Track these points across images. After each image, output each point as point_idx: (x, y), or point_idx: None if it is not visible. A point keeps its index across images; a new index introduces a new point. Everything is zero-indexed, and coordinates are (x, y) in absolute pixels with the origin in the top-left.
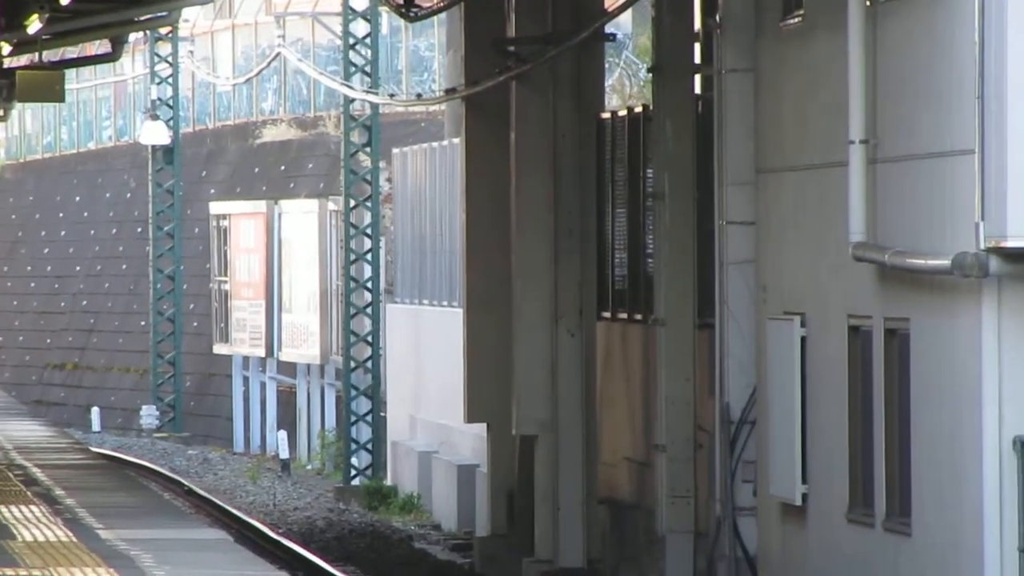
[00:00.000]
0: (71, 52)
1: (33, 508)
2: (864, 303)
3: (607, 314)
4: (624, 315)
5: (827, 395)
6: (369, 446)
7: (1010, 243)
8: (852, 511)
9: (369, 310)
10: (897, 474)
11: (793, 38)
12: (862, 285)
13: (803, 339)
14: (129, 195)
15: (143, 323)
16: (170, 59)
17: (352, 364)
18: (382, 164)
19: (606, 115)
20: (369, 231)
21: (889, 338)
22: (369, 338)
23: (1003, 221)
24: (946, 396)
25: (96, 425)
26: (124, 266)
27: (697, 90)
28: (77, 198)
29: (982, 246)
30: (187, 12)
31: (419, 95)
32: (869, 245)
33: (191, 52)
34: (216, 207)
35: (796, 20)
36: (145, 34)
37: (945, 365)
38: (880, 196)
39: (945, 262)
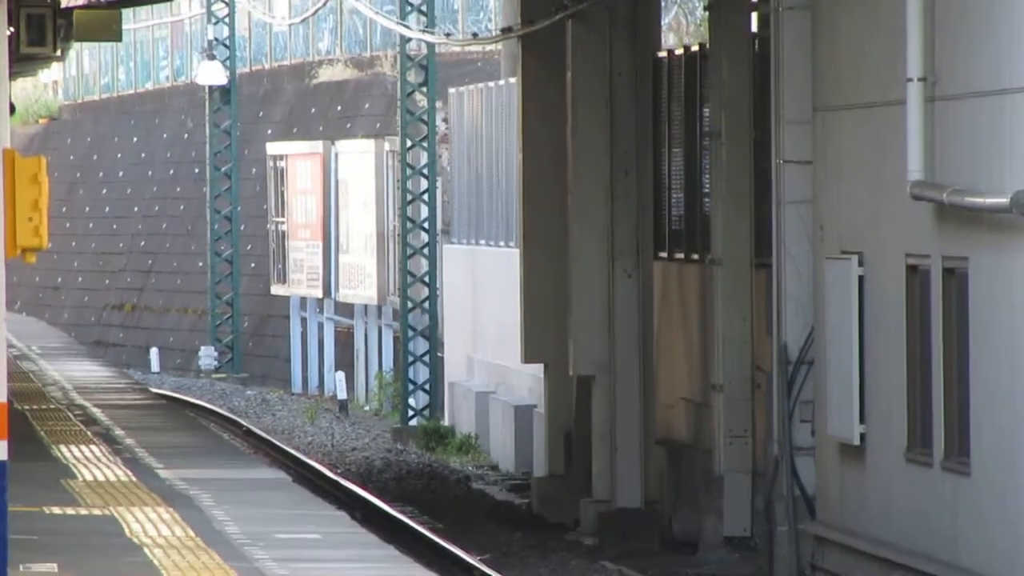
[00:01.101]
0: None
1: (93, 448)
2: (922, 242)
3: (664, 254)
4: (681, 255)
5: (885, 335)
6: (426, 387)
7: None
8: (911, 451)
9: (426, 251)
10: (956, 414)
11: None
12: (920, 224)
13: (861, 279)
14: (186, 136)
15: (201, 264)
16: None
17: (409, 305)
18: (438, 104)
19: (663, 54)
20: (426, 171)
21: (947, 277)
22: (426, 279)
23: None
24: (1005, 335)
25: (155, 366)
26: (182, 207)
27: (754, 28)
28: (135, 139)
29: None
30: None
31: (475, 34)
32: (927, 183)
33: None
34: (273, 148)
35: None
36: None
37: (1004, 304)
38: (938, 134)
39: (1004, 200)
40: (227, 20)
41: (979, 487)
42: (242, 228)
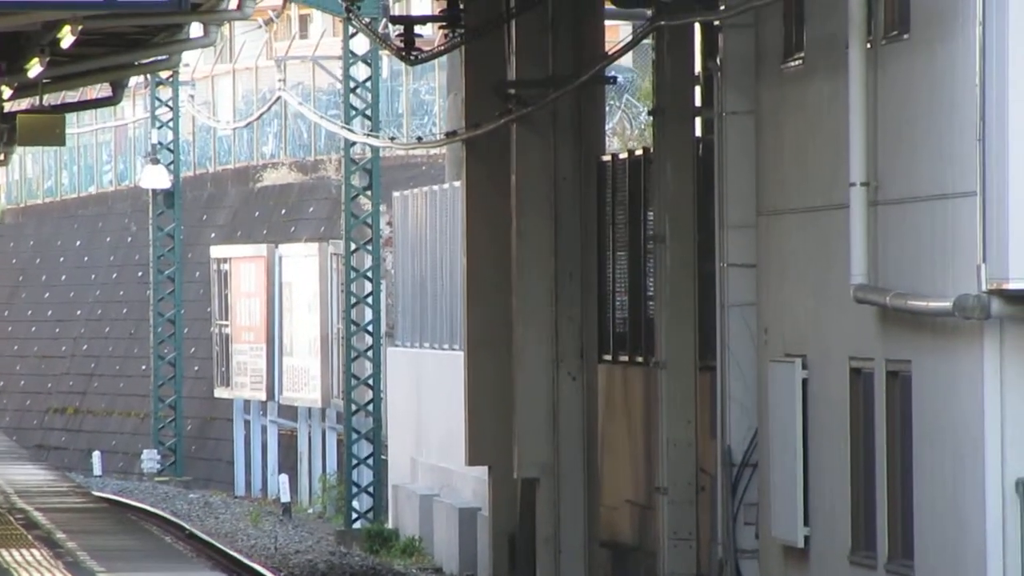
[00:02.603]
0: (72, 96)
1: (34, 552)
2: (866, 345)
3: (608, 357)
4: (625, 358)
5: (829, 437)
6: (370, 489)
7: (1012, 285)
8: (855, 553)
9: (370, 353)
10: (900, 516)
11: (794, 80)
12: (864, 327)
13: (804, 381)
14: (130, 239)
15: (144, 367)
16: (171, 103)
17: (353, 408)
18: (383, 207)
19: (607, 158)
20: (370, 274)
21: (891, 380)
22: (370, 381)
23: (1005, 263)
24: (948, 438)
25: (97, 469)
26: (125, 310)
27: (698, 132)
28: (78, 242)
29: (984, 288)
30: (187, 56)
31: (420, 138)
32: (870, 287)
33: (192, 96)
34: (217, 251)
35: (796, 63)
36: (146, 78)
37: (947, 407)
38: (881, 238)
39: (947, 304)
40: (171, 124)
41: None
42: (186, 331)
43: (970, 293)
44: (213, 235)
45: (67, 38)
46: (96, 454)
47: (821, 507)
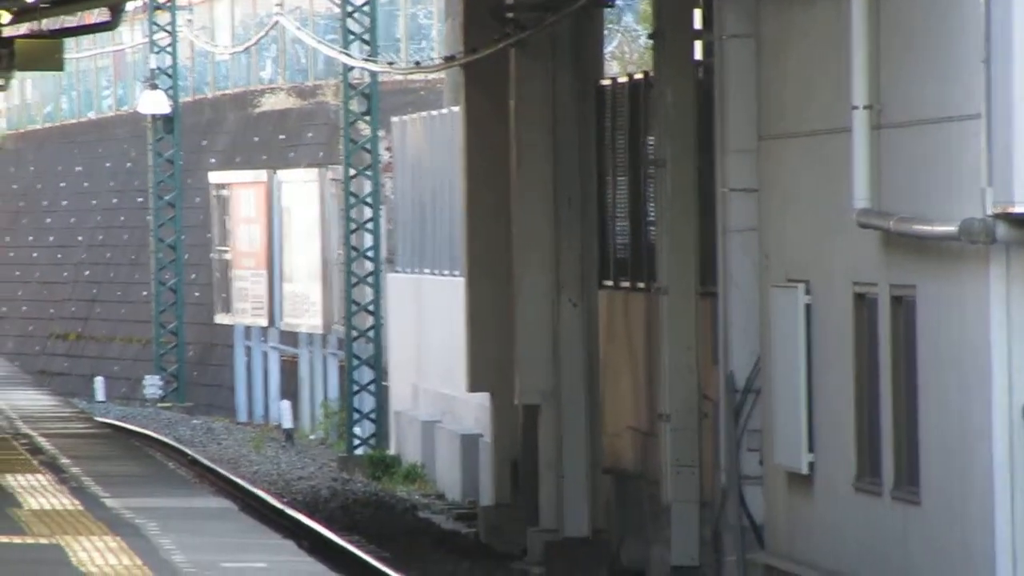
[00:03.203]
0: (70, 21)
1: (39, 476)
2: (869, 270)
3: (609, 283)
4: (626, 284)
5: (832, 363)
6: (372, 416)
7: (1017, 209)
8: (859, 480)
9: (370, 279)
10: (905, 443)
11: (795, 2)
12: (867, 252)
13: (807, 307)
14: (129, 165)
15: (145, 293)
16: (169, 28)
17: (354, 334)
18: (381, 133)
19: (606, 82)
20: (369, 200)
21: (895, 305)
22: (371, 307)
23: (1010, 186)
24: (954, 364)
25: (100, 395)
26: (126, 236)
27: (698, 56)
28: (78, 168)
29: (989, 212)
30: None
31: (418, 63)
32: (873, 211)
33: (190, 21)
34: (216, 177)
35: None
36: (144, 2)
37: (952, 332)
38: (884, 162)
39: (951, 228)
40: (169, 49)
41: (929, 516)
42: (186, 257)
43: (975, 217)
44: (212, 160)
45: None
46: (99, 380)
47: (825, 433)
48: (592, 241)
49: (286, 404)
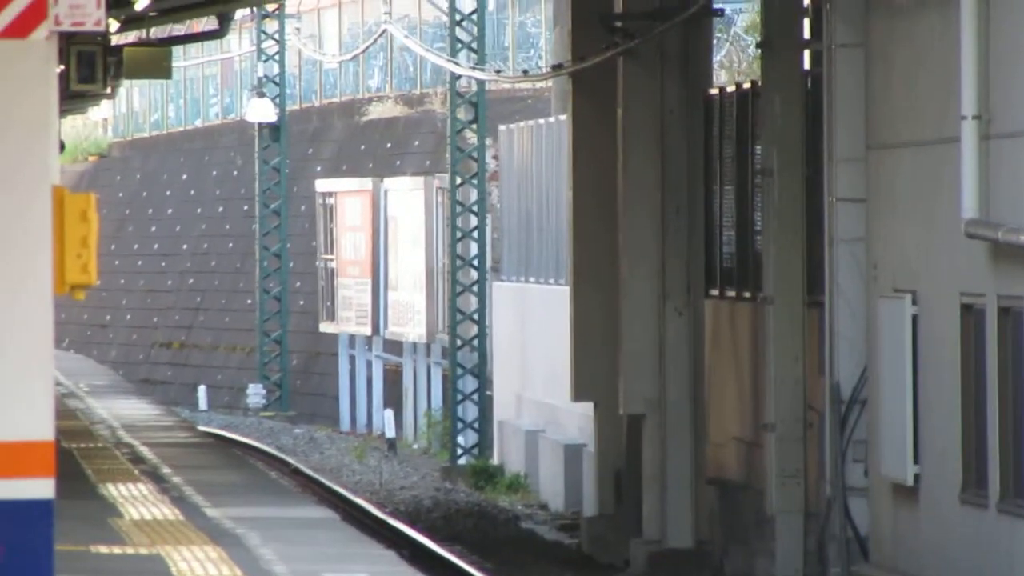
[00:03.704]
0: (178, 29)
1: (140, 486)
2: (977, 281)
3: (715, 292)
4: (732, 293)
5: (939, 374)
6: (475, 425)
7: None
8: (965, 492)
9: (475, 288)
10: (1012, 455)
11: (904, 11)
12: (975, 263)
13: (914, 317)
14: (236, 173)
15: (249, 301)
16: (277, 36)
17: (458, 343)
18: (488, 141)
19: (714, 91)
20: (475, 208)
21: (1003, 316)
22: (475, 316)
23: None
24: None
25: (203, 404)
26: (231, 244)
27: (806, 65)
28: (184, 176)
29: None
30: None
31: (526, 71)
32: (982, 222)
33: (298, 29)
34: (322, 185)
35: None
36: (252, 11)
37: None
38: (993, 172)
39: None
40: (277, 57)
41: None
42: (291, 265)
43: None
44: (319, 169)
45: None
46: (202, 389)
47: (931, 445)
48: (699, 250)
49: (389, 413)
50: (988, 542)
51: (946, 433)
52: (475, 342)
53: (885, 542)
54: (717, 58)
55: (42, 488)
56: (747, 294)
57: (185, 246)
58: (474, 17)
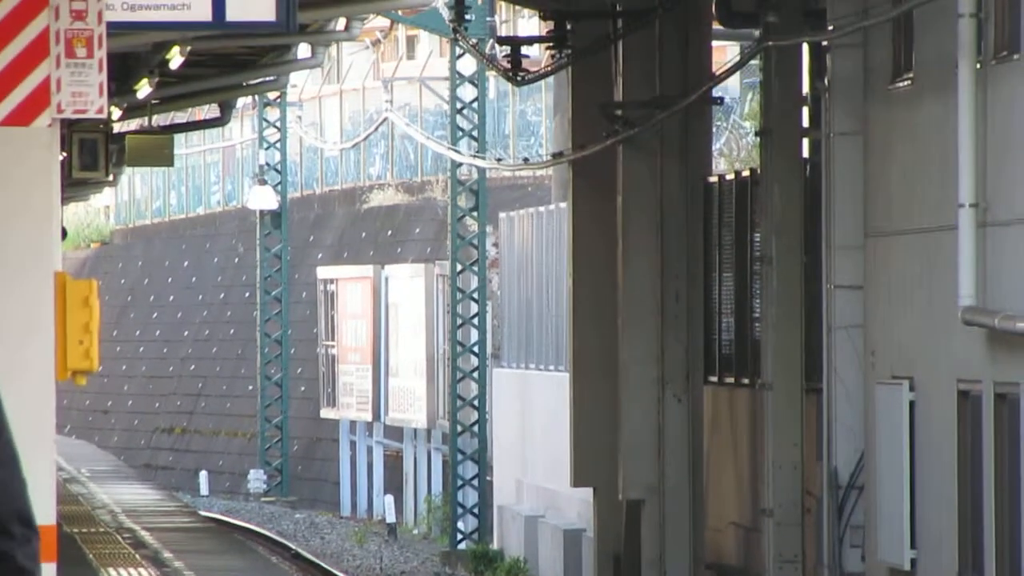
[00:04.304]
0: (180, 117)
1: (142, 571)
2: (974, 367)
3: (714, 378)
4: (731, 379)
5: (936, 460)
6: (475, 510)
7: None
8: None
9: (476, 374)
10: (1007, 540)
11: (902, 101)
12: (972, 349)
13: (911, 403)
14: (237, 260)
15: (251, 387)
16: (278, 124)
17: (459, 428)
18: (489, 228)
19: (713, 179)
20: (476, 295)
21: (999, 403)
22: (476, 402)
23: None
24: None
25: (204, 489)
26: (232, 331)
27: (805, 153)
28: (186, 263)
29: None
30: (295, 77)
31: (526, 159)
32: (979, 309)
33: (299, 117)
34: (323, 271)
35: (905, 83)
36: (254, 99)
37: None
38: (990, 260)
39: None
40: (278, 145)
41: None
42: (292, 352)
43: None
44: (320, 256)
45: (176, 59)
46: (203, 474)
47: (928, 530)
48: (698, 336)
49: (389, 498)
50: None
51: (943, 518)
52: (475, 428)
53: None
54: (716, 146)
55: (44, 573)
56: (746, 380)
57: (187, 332)
58: (475, 105)
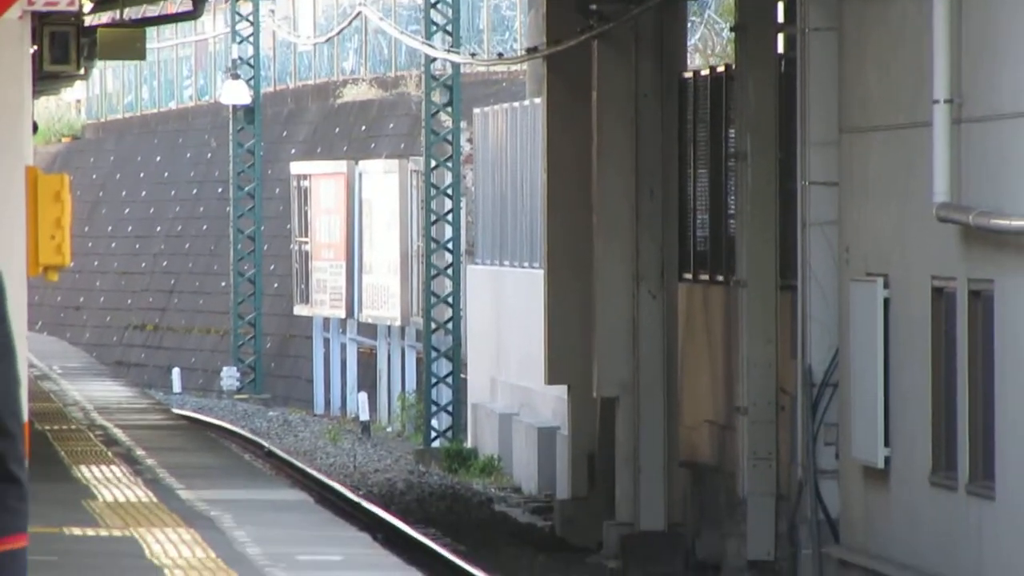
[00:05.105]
0: (152, 10)
1: (114, 468)
2: (948, 264)
3: (688, 275)
4: (705, 276)
5: (910, 357)
6: (449, 408)
7: None
8: (935, 474)
9: (450, 271)
10: (981, 437)
11: None
12: (946, 246)
13: (886, 301)
14: (210, 155)
15: (223, 284)
16: (251, 18)
17: (432, 326)
18: (463, 124)
19: (688, 74)
20: (450, 192)
21: (973, 300)
22: (450, 299)
23: None
24: None
25: (177, 386)
26: (205, 227)
27: (780, 49)
28: (158, 158)
29: None
30: None
31: (500, 54)
32: (953, 206)
33: (272, 11)
34: (297, 167)
35: None
36: None
37: None
38: (965, 156)
39: None
40: (251, 39)
41: (1004, 511)
42: (265, 248)
43: None
44: (293, 151)
45: None
46: (175, 371)
47: (902, 428)
48: (672, 233)
49: (363, 396)
50: (957, 524)
51: (916, 416)
52: (449, 325)
53: (856, 524)
54: (691, 41)
55: None
56: (720, 277)
57: (159, 228)
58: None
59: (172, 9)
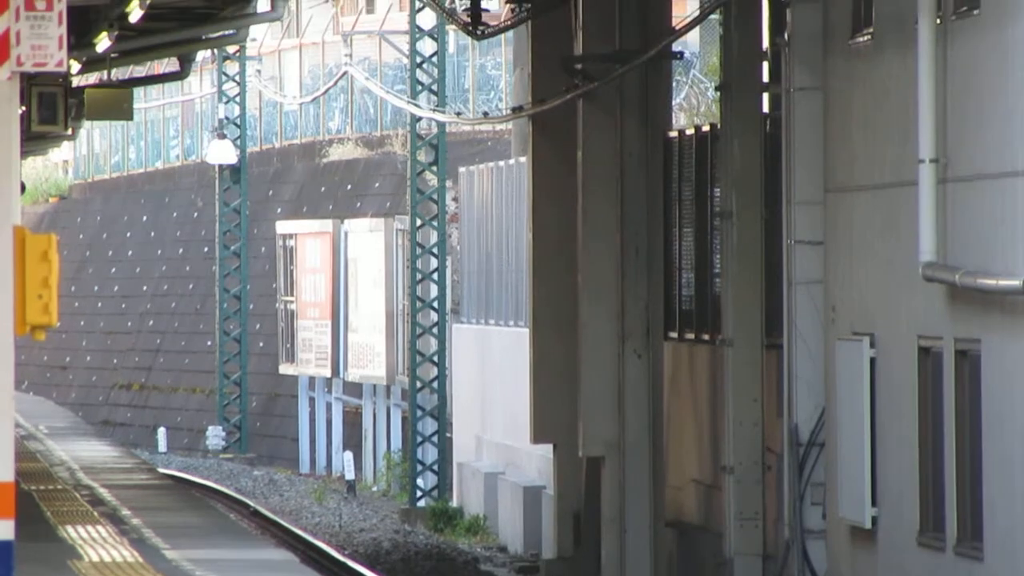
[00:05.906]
0: (139, 71)
1: (99, 528)
2: (934, 324)
3: (674, 334)
4: (691, 335)
5: (897, 417)
6: (435, 467)
7: None
8: (923, 535)
9: (435, 330)
10: (968, 498)
11: (862, 56)
12: (932, 306)
13: (872, 360)
14: (196, 215)
15: (209, 343)
16: (237, 78)
17: (418, 384)
18: (448, 183)
19: (673, 134)
20: (435, 250)
21: (960, 359)
22: (435, 358)
23: None
24: (1018, 417)
25: (162, 446)
26: (191, 286)
27: (765, 108)
28: (144, 218)
29: None
30: (254, 31)
31: (486, 113)
32: (939, 265)
33: (258, 71)
34: (282, 226)
35: (865, 38)
36: (213, 53)
37: (1017, 386)
38: (950, 216)
39: (1016, 283)
40: (238, 99)
41: (992, 573)
42: (251, 307)
43: None
44: (279, 210)
45: (135, 12)
46: (161, 430)
47: (889, 488)
48: (658, 292)
49: (349, 455)
50: None
51: (904, 476)
52: (435, 384)
53: None
54: (676, 101)
55: (2, 530)
56: (706, 336)
57: (145, 288)
58: (434, 59)
59: (159, 69)
